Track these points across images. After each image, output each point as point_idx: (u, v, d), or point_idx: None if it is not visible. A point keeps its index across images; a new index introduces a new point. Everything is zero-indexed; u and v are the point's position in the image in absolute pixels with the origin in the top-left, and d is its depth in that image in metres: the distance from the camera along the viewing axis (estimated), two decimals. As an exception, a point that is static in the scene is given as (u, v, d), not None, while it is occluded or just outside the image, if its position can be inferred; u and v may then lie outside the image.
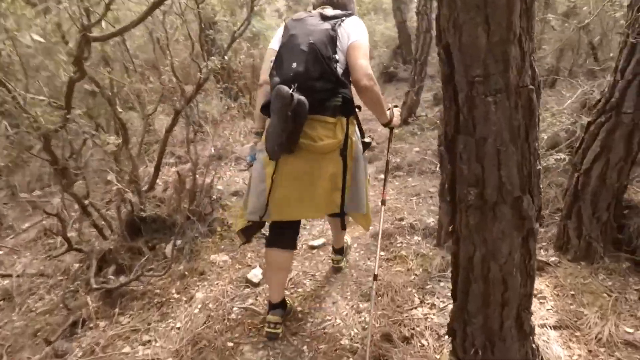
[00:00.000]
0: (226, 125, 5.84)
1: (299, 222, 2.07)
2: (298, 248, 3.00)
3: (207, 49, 6.44)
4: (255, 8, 6.30)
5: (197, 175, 3.37)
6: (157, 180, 3.75)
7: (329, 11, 1.88)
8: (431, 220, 2.97)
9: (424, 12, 5.58)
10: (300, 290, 2.44)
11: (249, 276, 2.50)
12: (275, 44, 1.87)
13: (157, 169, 3.59)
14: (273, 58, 1.82)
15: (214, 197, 3.58)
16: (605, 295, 2.05)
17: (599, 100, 2.18)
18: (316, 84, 1.70)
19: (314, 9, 2.01)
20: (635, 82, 2.02)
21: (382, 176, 3.33)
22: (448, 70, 1.26)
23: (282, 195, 1.82)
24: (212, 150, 5.14)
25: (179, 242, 2.98)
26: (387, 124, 2.05)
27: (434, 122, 5.37)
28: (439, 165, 4.12)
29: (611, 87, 2.12)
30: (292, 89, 1.64)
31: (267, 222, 2.01)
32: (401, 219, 3.12)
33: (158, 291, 2.45)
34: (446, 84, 1.29)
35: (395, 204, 3.48)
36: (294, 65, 1.69)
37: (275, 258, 1.99)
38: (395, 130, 2.42)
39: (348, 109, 1.81)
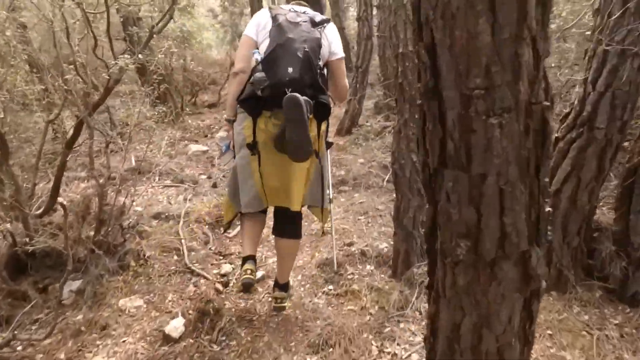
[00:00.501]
0: (147, 134, 5.19)
1: (299, 216, 2.10)
2: (231, 285, 2.54)
3: (128, 47, 5.75)
4: (182, 3, 5.68)
5: (111, 194, 2.79)
6: (60, 199, 3.09)
7: (311, 12, 1.96)
8: (384, 246, 2.64)
9: (365, 18, 5.35)
10: (233, 343, 1.98)
11: (168, 329, 1.99)
12: (252, 32, 1.90)
13: (56, 189, 2.93)
14: (254, 49, 1.86)
15: (129, 222, 3.00)
16: (584, 333, 1.83)
17: (568, 114, 1.98)
18: (307, 90, 1.78)
19: (288, 2, 2.08)
20: (608, 94, 1.83)
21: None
22: (432, 80, 0.90)
23: (271, 187, 1.93)
24: (133, 162, 4.50)
25: (78, 282, 2.39)
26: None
27: (378, 132, 5.14)
28: (385, 180, 3.86)
29: (581, 100, 1.92)
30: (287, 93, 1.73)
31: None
32: (350, 244, 2.77)
33: (40, 357, 1.87)
34: (428, 98, 0.92)
35: (343, 224, 3.12)
36: (290, 70, 1.74)
37: (254, 216, 2.03)
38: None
39: (325, 114, 1.92)
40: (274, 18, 1.84)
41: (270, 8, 1.92)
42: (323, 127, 1.96)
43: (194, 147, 5.14)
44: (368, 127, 5.32)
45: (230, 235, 3.16)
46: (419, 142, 1.04)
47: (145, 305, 2.27)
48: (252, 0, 8.74)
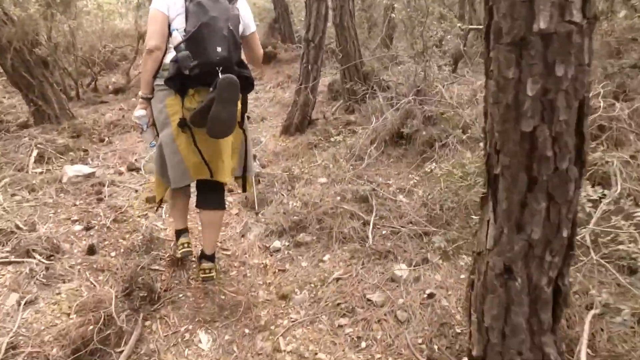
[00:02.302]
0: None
1: (222, 186, 2.14)
2: None
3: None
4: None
5: None
6: None
7: None
8: None
9: (314, -32, 3.76)
10: None
11: None
12: (163, 5, 1.85)
13: None
14: (166, 24, 1.85)
15: None
16: None
17: None
18: (235, 68, 1.87)
19: None
20: None
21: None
22: None
23: (196, 162, 1.94)
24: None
25: None
26: None
27: (341, 131, 3.69)
28: (370, 228, 2.45)
29: None
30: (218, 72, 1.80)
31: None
32: None
33: None
34: None
35: (310, 340, 1.70)
36: (219, 49, 1.78)
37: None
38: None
39: (249, 87, 1.98)
40: None
41: None
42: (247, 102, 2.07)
43: (71, 170, 3.38)
44: (330, 124, 3.84)
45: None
46: None
47: None
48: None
